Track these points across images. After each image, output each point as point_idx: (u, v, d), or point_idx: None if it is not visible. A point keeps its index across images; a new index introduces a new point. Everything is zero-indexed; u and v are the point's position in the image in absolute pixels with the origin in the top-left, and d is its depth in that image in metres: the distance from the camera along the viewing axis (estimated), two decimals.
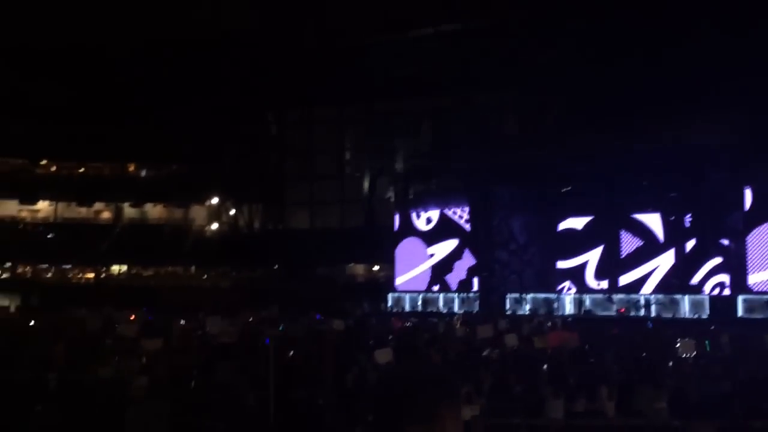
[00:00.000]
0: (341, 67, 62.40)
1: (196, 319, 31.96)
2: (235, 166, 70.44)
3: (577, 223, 48.69)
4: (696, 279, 43.45)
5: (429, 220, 52.11)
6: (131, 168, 71.08)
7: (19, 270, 64.98)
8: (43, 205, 68.94)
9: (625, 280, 46.54)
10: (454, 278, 50.20)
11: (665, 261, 45.22)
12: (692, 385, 18.46)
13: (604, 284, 47.43)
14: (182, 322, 32.13)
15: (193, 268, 67.18)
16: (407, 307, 49.49)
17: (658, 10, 49.31)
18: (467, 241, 49.40)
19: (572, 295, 46.51)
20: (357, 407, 13.58)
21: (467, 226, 49.62)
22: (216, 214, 71.13)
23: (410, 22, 61.93)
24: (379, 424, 2.40)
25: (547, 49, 56.44)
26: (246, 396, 17.86)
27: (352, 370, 18.97)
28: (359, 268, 67.34)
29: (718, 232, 41.81)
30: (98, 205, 69.83)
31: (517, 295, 46.71)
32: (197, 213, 71.12)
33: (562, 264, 49.11)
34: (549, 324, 32.66)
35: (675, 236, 44.91)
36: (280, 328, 30.53)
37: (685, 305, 40.71)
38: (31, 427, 15.78)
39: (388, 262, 56.54)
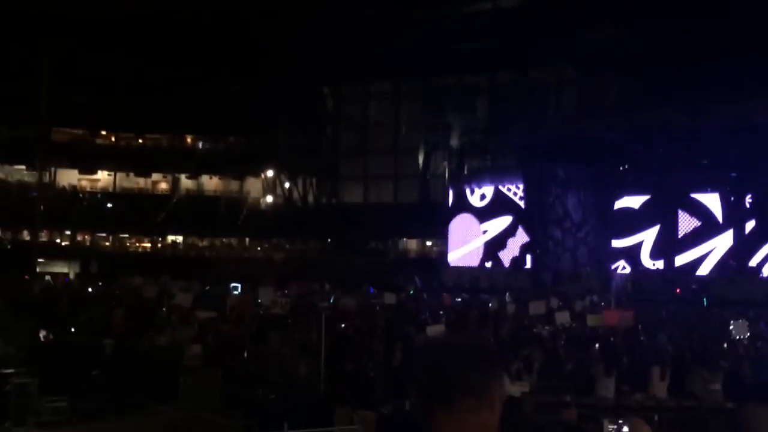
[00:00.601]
0: (398, 42, 62.13)
1: (250, 290, 32.30)
2: (291, 139, 70.84)
3: (634, 201, 48.04)
4: (755, 261, 42.61)
5: (483, 197, 51.84)
6: (189, 140, 71.90)
7: (79, 238, 66.33)
8: (102, 175, 70.24)
9: (681, 260, 45.88)
10: (507, 255, 49.97)
11: (723, 242, 44.44)
12: (748, 367, 18.14)
13: (660, 264, 46.82)
14: (236, 292, 32.51)
15: (247, 240, 67.86)
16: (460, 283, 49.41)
17: None
18: (521, 218, 49.07)
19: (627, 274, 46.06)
20: (406, 380, 13.64)
21: (521, 203, 49.27)
22: (271, 186, 71.65)
23: None
24: (428, 396, 2.40)
25: (606, 24, 55.49)
26: (297, 366, 18.03)
27: (402, 344, 19.02)
28: (412, 243, 67.37)
29: None
30: (156, 176, 70.93)
31: (570, 272, 46.37)
32: (252, 185, 71.76)
33: (617, 243, 48.57)
34: (602, 303, 32.34)
35: (734, 217, 44.07)
36: (332, 301, 30.76)
37: (743, 287, 39.96)
38: (88, 391, 16.13)
39: (442, 238, 56.48)
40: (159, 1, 59.25)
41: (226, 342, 20.19)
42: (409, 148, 71.41)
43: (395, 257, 62.03)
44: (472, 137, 61.24)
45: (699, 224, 45.54)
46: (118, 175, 70.01)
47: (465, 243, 52.44)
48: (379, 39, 62.19)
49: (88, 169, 69.18)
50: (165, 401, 16.39)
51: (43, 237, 62.57)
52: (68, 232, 65.82)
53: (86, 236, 66.81)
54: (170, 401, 16.24)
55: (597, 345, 20.03)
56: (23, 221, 60.62)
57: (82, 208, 66.76)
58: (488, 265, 50.93)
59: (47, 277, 44.39)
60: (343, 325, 21.53)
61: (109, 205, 67.88)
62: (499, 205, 50.74)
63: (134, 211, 64.94)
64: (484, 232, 51.39)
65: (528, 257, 48.21)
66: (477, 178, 53.30)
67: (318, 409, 14.72)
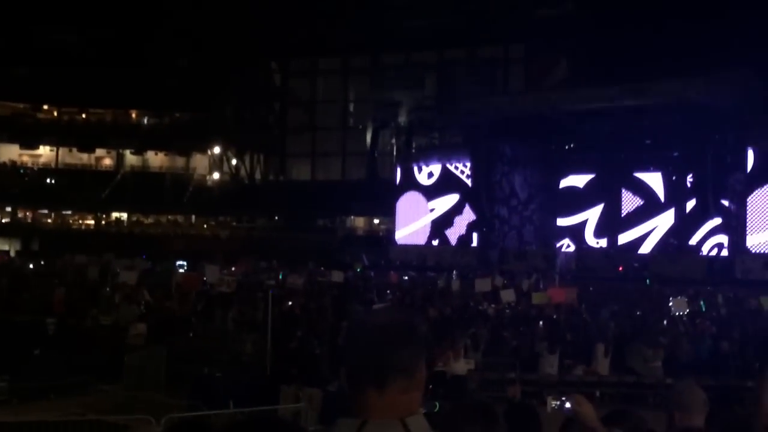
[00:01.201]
0: (346, 18, 61.81)
1: (195, 268, 32.06)
2: (238, 115, 70.20)
3: (579, 180, 48.63)
4: (695, 239, 43.49)
5: (430, 174, 52.01)
6: (134, 115, 70.81)
7: (20, 215, 65.07)
8: (44, 150, 68.81)
9: (624, 238, 46.63)
10: (453, 233, 50.26)
11: (665, 220, 45.27)
12: (686, 344, 18.55)
13: (604, 242, 47.54)
14: (181, 270, 32.25)
15: (193, 217, 67.25)
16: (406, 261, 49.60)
17: None
18: (468, 196, 49.34)
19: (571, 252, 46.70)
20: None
21: (468, 181, 49.53)
22: (218, 163, 71.01)
23: None
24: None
25: (553, 3, 55.90)
26: (243, 344, 18.00)
27: (348, 321, 19.08)
28: (360, 221, 67.43)
29: (719, 192, 41.70)
30: (100, 152, 69.72)
31: (516, 250, 46.86)
32: (199, 162, 71.02)
33: (562, 221, 49.16)
34: (546, 280, 32.74)
35: (675, 196, 44.90)
36: (279, 278, 30.67)
37: (683, 265, 40.74)
38: (29, 371, 15.91)
39: (389, 216, 56.60)
40: None
41: (171, 320, 20.05)
42: (356, 125, 71.29)
43: (343, 235, 62.01)
44: (419, 115, 61.29)
45: (642, 203, 46.31)
46: (61, 150, 68.63)
47: (412, 221, 52.62)
48: (327, 15, 61.79)
49: (30, 144, 67.70)
50: (109, 381, 16.25)
51: None
52: (9, 209, 64.53)
53: (27, 213, 65.58)
54: (114, 380, 16.10)
55: (541, 323, 20.31)
56: None
57: (23, 184, 65.42)
58: (435, 243, 51.20)
59: None
60: (290, 303, 21.50)
61: (51, 181, 66.64)
62: (446, 183, 50.94)
63: (77, 187, 63.83)
64: (432, 210, 51.61)
65: (474, 235, 48.55)
66: (424, 155, 53.43)
67: (264, 387, 14.72)
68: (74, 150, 68.53)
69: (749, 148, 40.11)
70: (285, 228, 62.00)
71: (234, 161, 71.71)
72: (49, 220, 65.52)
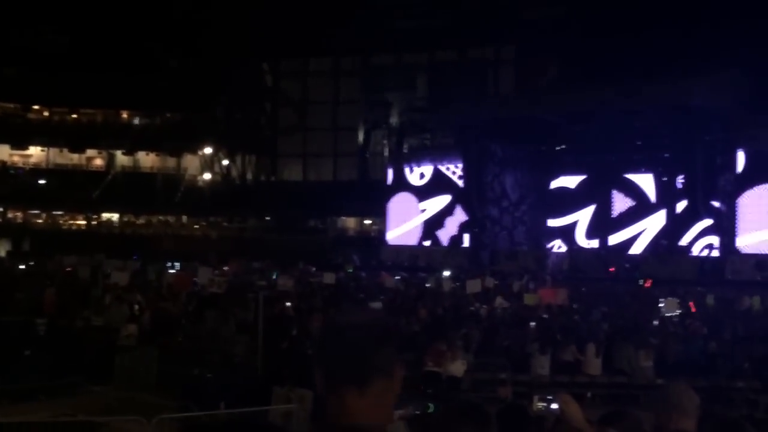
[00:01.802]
0: (338, 19, 61.80)
1: (187, 269, 32.00)
2: (229, 116, 70.10)
3: (570, 181, 48.73)
4: (685, 240, 43.58)
5: (422, 175, 52.04)
6: (124, 115, 70.63)
7: (10, 215, 64.83)
8: (34, 151, 68.57)
9: (615, 239, 46.74)
10: (445, 234, 50.30)
11: (656, 221, 45.38)
12: (677, 344, 18.61)
13: (595, 243, 47.64)
14: (173, 271, 32.18)
15: (184, 218, 67.12)
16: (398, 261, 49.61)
17: None
18: (459, 197, 49.39)
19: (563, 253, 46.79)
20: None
21: (460, 182, 49.58)
22: (209, 163, 70.88)
23: None
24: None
25: (544, 5, 55.99)
26: (234, 345, 17.96)
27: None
28: (351, 222, 67.42)
29: (709, 193, 41.84)
30: (90, 152, 69.51)
31: (507, 251, 46.92)
32: (190, 162, 70.88)
33: (553, 222, 49.25)
34: (538, 281, 32.80)
35: (666, 197, 45.00)
36: (273, 278, 30.64)
37: (674, 265, 40.84)
38: (20, 372, 15.85)
39: (380, 216, 56.61)
40: None
41: (163, 321, 20.00)
42: (348, 126, 71.25)
43: (334, 236, 62.00)
44: (411, 116, 61.31)
45: (633, 204, 46.42)
46: (52, 150, 68.40)
47: (404, 222, 52.65)
48: (318, 16, 61.76)
49: (20, 144, 67.44)
50: (99, 381, 16.20)
51: None
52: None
53: (18, 213, 65.32)
54: (105, 381, 16.05)
55: (532, 323, 20.34)
56: None
57: (14, 185, 65.14)
58: (427, 243, 51.23)
59: None
60: (282, 304, 21.46)
61: (42, 181, 66.36)
62: (437, 184, 51.00)
63: (68, 187, 63.61)
64: (423, 210, 51.64)
65: (466, 236, 48.59)
66: (416, 156, 53.47)
67: (255, 388, 14.69)
68: (65, 150, 68.30)
69: (739, 149, 40.30)
70: (276, 229, 61.96)
71: (225, 162, 71.60)
72: (40, 221, 65.27)
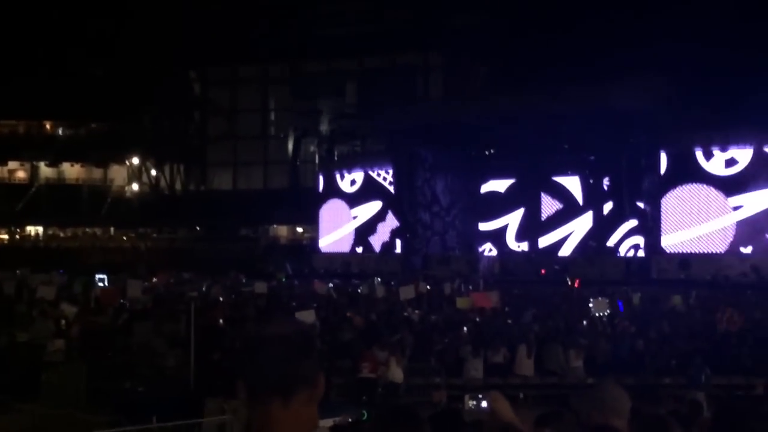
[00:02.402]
0: (266, 26, 61.49)
1: (115, 282, 31.43)
2: (157, 125, 69.16)
3: (500, 185, 49.29)
4: (612, 241, 44.49)
5: (353, 182, 52.07)
6: (48, 126, 69.10)
7: None
8: None
9: (544, 242, 47.42)
10: (377, 240, 50.39)
11: (583, 223, 46.19)
12: (606, 343, 18.96)
13: (525, 246, 48.26)
14: (101, 284, 31.55)
15: (112, 230, 65.96)
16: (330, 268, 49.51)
17: None
18: (391, 203, 49.55)
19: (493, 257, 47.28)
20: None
21: (391, 188, 49.74)
22: (136, 174, 69.82)
23: None
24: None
25: (471, 10, 56.60)
26: (165, 358, 17.72)
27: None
28: (283, 230, 67.11)
29: (634, 195, 42.79)
30: (13, 164, 67.84)
31: (439, 256, 47.22)
32: (117, 173, 69.71)
33: (483, 226, 49.73)
34: (470, 285, 33.06)
35: (593, 199, 45.85)
36: (203, 289, 30.30)
37: (602, 266, 41.60)
38: None
39: (312, 224, 56.45)
40: None
41: (91, 335, 19.61)
42: (278, 133, 70.96)
43: (266, 244, 61.61)
44: (341, 123, 61.32)
45: (561, 206, 47.17)
46: None
47: (335, 228, 52.59)
48: (246, 23, 61.40)
49: None
50: (27, 399, 15.80)
51: None
52: None
53: None
54: (32, 399, 15.67)
55: (465, 327, 20.49)
56: None
57: None
58: (359, 250, 51.25)
59: None
60: (213, 315, 21.23)
61: None
62: (369, 191, 51.07)
63: None
64: (355, 217, 51.66)
65: (398, 241, 48.77)
66: (347, 163, 53.49)
67: (188, 400, 14.50)
68: None
69: (662, 151, 41.25)
70: (207, 238, 61.31)
71: (153, 172, 70.61)
72: None
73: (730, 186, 39.76)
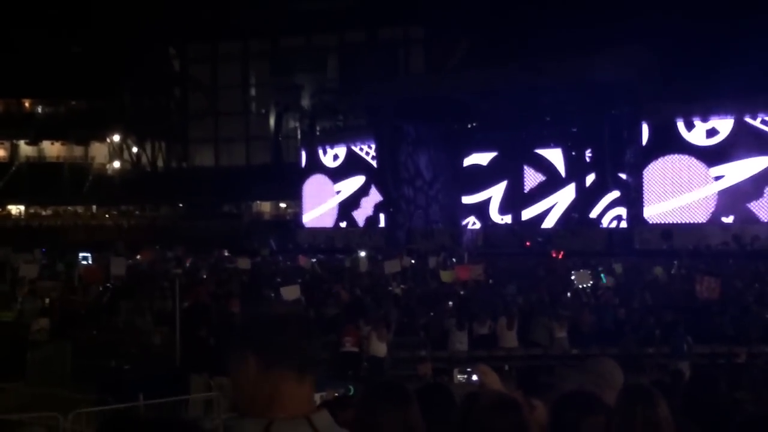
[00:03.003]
0: (245, 2, 61.00)
1: (99, 260, 31.33)
2: (137, 102, 68.65)
3: (482, 158, 49.34)
4: (595, 213, 44.72)
5: (336, 157, 51.97)
6: (27, 104, 68.46)
7: None
8: None
9: (527, 214, 47.58)
10: (361, 214, 50.40)
11: (566, 195, 46.37)
12: (589, 314, 19.08)
13: (508, 219, 48.42)
14: (84, 262, 31.46)
15: (94, 208, 65.62)
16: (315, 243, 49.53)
17: None
18: (374, 177, 49.50)
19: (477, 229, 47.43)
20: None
21: (374, 163, 49.68)
22: (118, 151, 69.39)
23: None
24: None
25: None
26: (151, 336, 17.72)
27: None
28: (266, 206, 66.98)
29: (616, 166, 42.97)
30: None
31: (423, 230, 47.32)
32: (98, 150, 69.23)
33: (467, 199, 49.83)
34: (454, 258, 33.17)
35: (575, 171, 46.01)
36: (187, 267, 30.27)
37: (585, 238, 41.80)
38: None
39: (295, 199, 56.37)
40: None
41: (75, 314, 19.58)
42: (259, 109, 70.65)
43: (249, 220, 61.51)
44: (323, 97, 61.15)
45: (543, 179, 47.30)
46: None
47: (319, 204, 52.55)
48: None
49: None
50: (11, 378, 15.76)
51: None
52: None
53: None
54: (17, 378, 15.63)
55: (449, 299, 20.57)
56: None
57: None
58: (343, 225, 51.25)
59: None
60: (197, 291, 21.22)
61: None
62: (351, 165, 51.00)
63: None
64: (338, 192, 51.62)
65: (382, 216, 48.79)
66: (329, 138, 53.36)
67: (174, 377, 14.53)
68: None
69: (643, 122, 41.37)
70: (190, 215, 61.13)
71: (135, 149, 70.21)
72: None
73: (712, 156, 39.95)
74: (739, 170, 39.34)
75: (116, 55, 62.33)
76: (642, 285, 22.95)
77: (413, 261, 30.64)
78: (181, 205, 64.67)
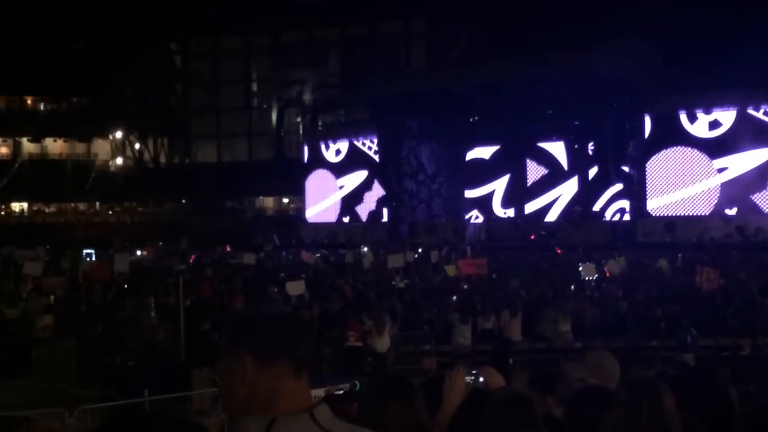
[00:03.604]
0: None
1: (104, 256, 31.39)
2: (139, 98, 68.68)
3: (485, 152, 49.31)
4: (598, 206, 44.69)
5: (338, 152, 51.96)
6: (29, 101, 68.51)
7: None
8: None
9: (530, 207, 47.55)
10: (364, 209, 50.40)
11: (569, 188, 46.34)
12: (592, 308, 19.09)
13: (511, 212, 48.38)
14: (88, 259, 31.52)
15: (97, 204, 65.70)
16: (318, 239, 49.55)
17: None
18: (376, 171, 49.50)
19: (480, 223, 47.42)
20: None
21: (376, 157, 49.67)
22: (120, 148, 69.44)
23: None
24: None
25: None
26: (155, 332, 17.74)
27: (262, 303, 18.97)
28: (269, 201, 67.02)
29: (619, 159, 42.93)
30: None
31: (426, 224, 47.31)
32: (100, 147, 69.29)
33: (469, 193, 49.80)
34: (457, 252, 33.16)
35: (578, 164, 45.98)
36: (191, 262, 30.31)
37: (588, 231, 41.76)
38: None
39: (298, 195, 56.39)
40: None
41: (80, 311, 19.62)
42: (261, 105, 70.64)
43: (252, 216, 61.55)
44: (324, 92, 61.10)
45: (546, 172, 47.27)
46: None
47: (322, 199, 52.55)
48: None
49: None
50: (17, 375, 15.84)
51: None
52: None
53: None
54: (23, 375, 15.70)
55: (453, 293, 20.58)
56: None
57: None
58: (346, 219, 51.26)
59: None
60: (201, 287, 21.25)
61: None
62: (354, 160, 50.99)
63: None
64: (341, 187, 51.61)
65: (384, 210, 48.79)
66: (331, 133, 53.34)
67: (179, 373, 14.56)
68: None
69: (646, 114, 41.30)
70: (193, 211, 61.19)
71: (137, 145, 70.25)
72: None
73: (715, 148, 39.86)
74: (742, 162, 39.25)
75: (118, 51, 62.37)
76: (645, 277, 22.94)
77: (416, 255, 30.64)
78: (184, 201, 64.70)
